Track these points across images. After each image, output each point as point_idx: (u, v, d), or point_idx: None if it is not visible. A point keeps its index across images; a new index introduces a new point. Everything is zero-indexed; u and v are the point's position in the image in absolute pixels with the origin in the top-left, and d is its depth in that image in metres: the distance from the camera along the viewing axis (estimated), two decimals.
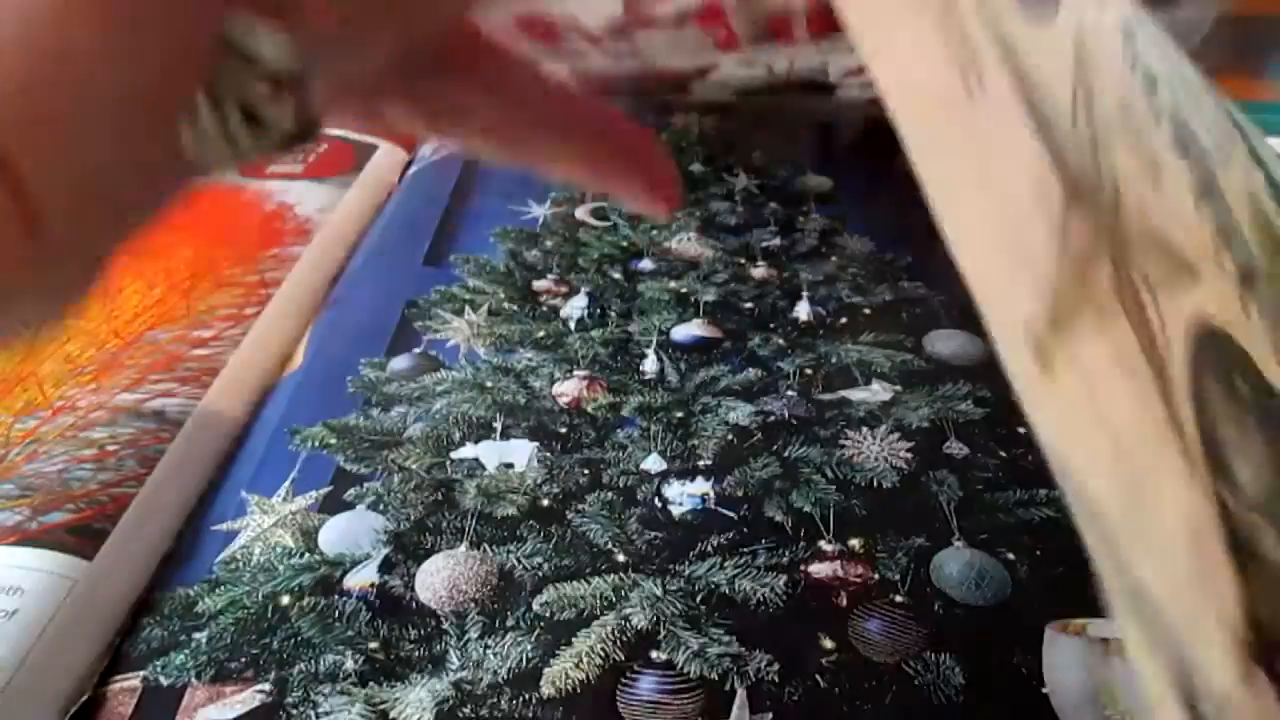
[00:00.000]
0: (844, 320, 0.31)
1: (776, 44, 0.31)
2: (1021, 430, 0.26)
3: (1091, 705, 0.19)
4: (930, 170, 0.09)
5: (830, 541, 0.23)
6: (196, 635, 0.21)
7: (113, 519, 0.23)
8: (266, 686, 0.20)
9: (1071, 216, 0.09)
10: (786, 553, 0.22)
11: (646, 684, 0.20)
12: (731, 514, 0.24)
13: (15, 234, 0.08)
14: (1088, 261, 0.09)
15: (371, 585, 0.22)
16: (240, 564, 0.23)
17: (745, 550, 0.23)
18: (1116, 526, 0.08)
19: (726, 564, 0.22)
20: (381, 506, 0.24)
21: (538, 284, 0.33)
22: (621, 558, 0.23)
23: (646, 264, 0.34)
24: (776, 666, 0.20)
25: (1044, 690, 0.19)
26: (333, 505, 0.24)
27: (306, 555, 0.23)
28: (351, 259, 0.35)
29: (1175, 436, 0.09)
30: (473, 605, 0.21)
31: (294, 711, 0.19)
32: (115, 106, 0.08)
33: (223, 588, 0.22)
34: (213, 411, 0.27)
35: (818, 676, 0.20)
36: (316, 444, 0.26)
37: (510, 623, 0.21)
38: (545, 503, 0.24)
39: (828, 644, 0.20)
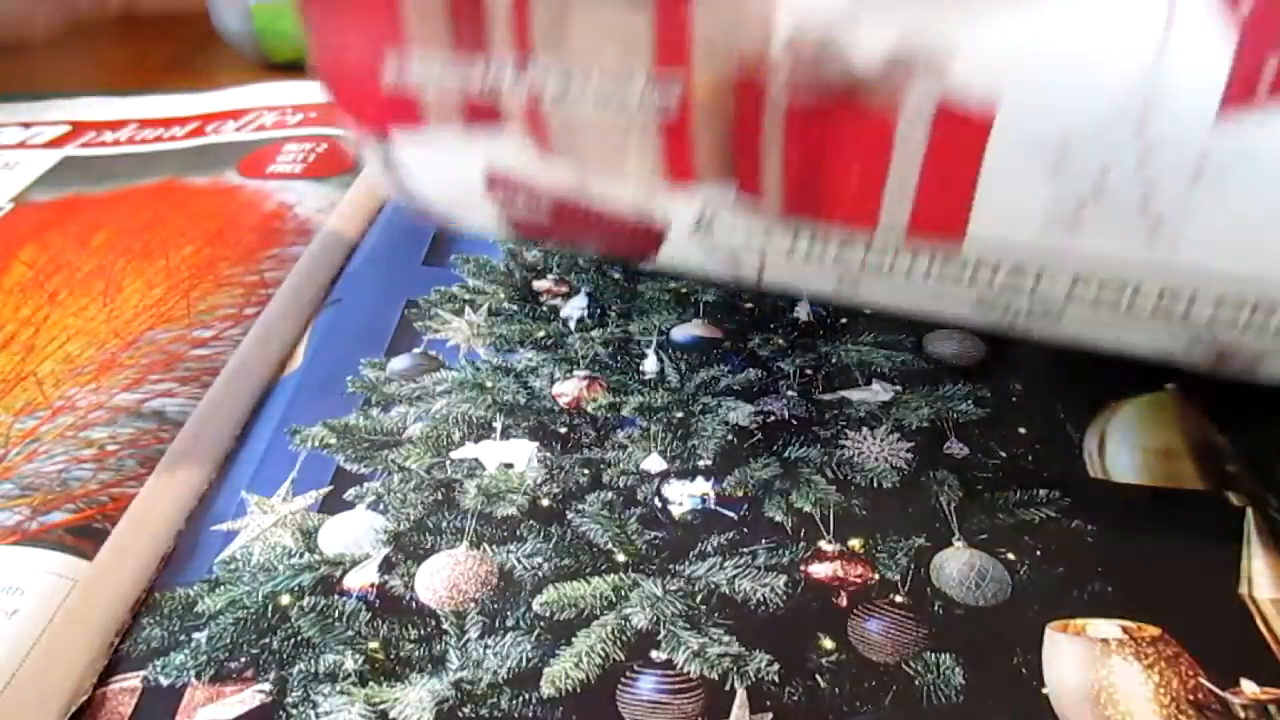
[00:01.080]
0: (844, 320, 0.31)
1: None
2: (1022, 430, 0.26)
3: (1091, 705, 0.19)
4: None
5: (830, 541, 0.23)
6: (196, 635, 0.21)
7: (113, 519, 0.23)
8: (266, 686, 0.20)
9: None
10: (786, 553, 0.22)
11: (646, 684, 0.20)
12: (731, 514, 0.24)
13: None
14: None
15: (371, 585, 0.22)
16: (240, 564, 0.23)
17: (745, 550, 0.23)
18: None
19: (726, 564, 0.22)
20: (381, 506, 0.24)
21: (538, 284, 0.33)
22: (621, 558, 0.23)
23: (646, 264, 0.34)
24: (776, 666, 0.20)
25: (1044, 690, 0.19)
26: (333, 505, 0.24)
27: (306, 555, 0.23)
28: (351, 259, 0.35)
29: None
30: (473, 605, 0.21)
31: (294, 711, 0.19)
32: None
33: (223, 588, 0.22)
34: (213, 411, 0.27)
35: (818, 676, 0.20)
36: (316, 444, 0.26)
37: (510, 623, 0.21)
38: (545, 503, 0.24)
39: (828, 644, 0.20)
